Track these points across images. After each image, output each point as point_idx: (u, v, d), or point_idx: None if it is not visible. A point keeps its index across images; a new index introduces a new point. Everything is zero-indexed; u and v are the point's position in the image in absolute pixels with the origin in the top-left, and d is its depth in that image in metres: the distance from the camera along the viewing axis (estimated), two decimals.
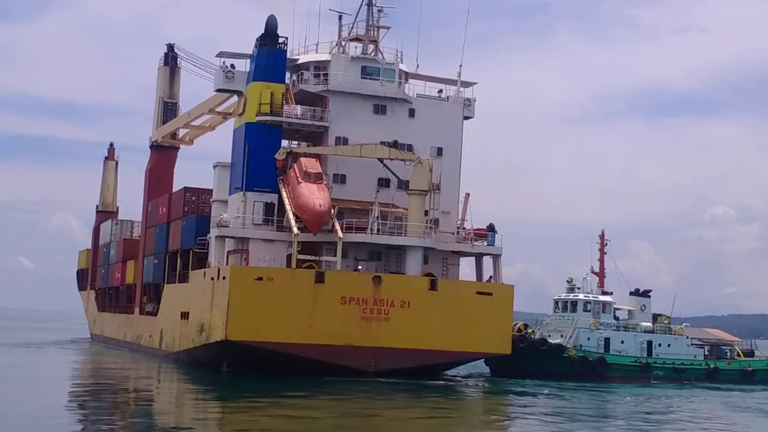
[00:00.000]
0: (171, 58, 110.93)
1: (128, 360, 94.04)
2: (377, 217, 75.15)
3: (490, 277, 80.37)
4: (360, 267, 75.11)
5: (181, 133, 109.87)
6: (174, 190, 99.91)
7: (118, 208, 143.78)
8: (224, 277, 72.45)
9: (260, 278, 71.62)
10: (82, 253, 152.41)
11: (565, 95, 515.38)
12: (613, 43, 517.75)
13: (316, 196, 72.84)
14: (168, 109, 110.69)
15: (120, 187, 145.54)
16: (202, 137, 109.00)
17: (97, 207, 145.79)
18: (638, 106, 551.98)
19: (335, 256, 73.16)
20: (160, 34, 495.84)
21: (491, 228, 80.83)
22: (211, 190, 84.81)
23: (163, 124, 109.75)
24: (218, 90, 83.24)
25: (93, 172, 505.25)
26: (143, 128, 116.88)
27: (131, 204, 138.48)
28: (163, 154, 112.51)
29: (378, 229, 75.04)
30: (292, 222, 73.15)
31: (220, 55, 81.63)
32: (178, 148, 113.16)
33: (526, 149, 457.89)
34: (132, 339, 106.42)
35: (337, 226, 73.62)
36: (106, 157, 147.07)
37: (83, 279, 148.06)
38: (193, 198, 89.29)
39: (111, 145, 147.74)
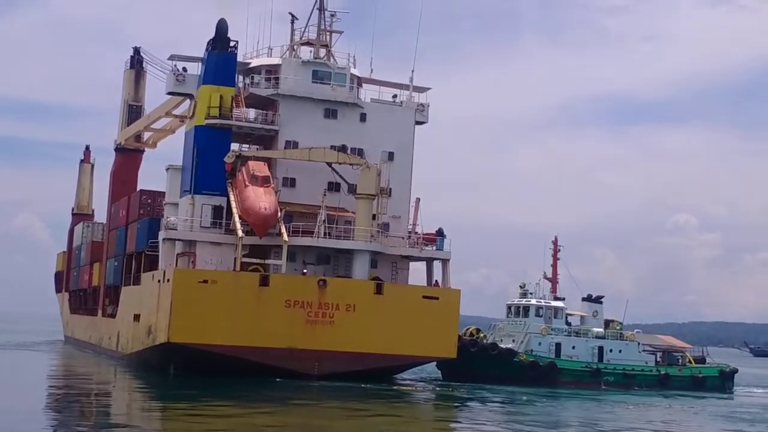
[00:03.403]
0: (136, 62, 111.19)
1: (90, 362, 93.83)
2: (324, 221, 74.88)
3: (436, 281, 79.93)
4: (305, 270, 74.60)
5: (145, 136, 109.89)
6: None
7: (93, 211, 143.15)
8: (168, 280, 72.24)
9: (204, 281, 71.24)
10: (59, 256, 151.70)
11: (531, 101, 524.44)
12: (580, 50, 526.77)
13: (261, 199, 72.56)
14: (133, 112, 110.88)
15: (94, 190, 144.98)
16: (165, 140, 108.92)
17: (72, 209, 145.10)
18: (603, 113, 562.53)
19: (280, 259, 72.87)
20: (127, 36, 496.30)
21: (440, 233, 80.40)
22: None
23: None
24: (169, 93, 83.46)
25: (58, 174, 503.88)
26: (112, 131, 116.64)
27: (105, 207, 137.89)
28: (128, 157, 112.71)
29: (325, 233, 74.73)
30: (238, 225, 72.97)
31: (172, 58, 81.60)
32: (143, 151, 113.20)
33: (491, 154, 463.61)
34: (96, 341, 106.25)
35: (283, 230, 73.21)
36: (82, 160, 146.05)
37: (59, 281, 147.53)
38: (149, 201, 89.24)
39: (87, 147, 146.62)
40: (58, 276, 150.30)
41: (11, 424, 44.55)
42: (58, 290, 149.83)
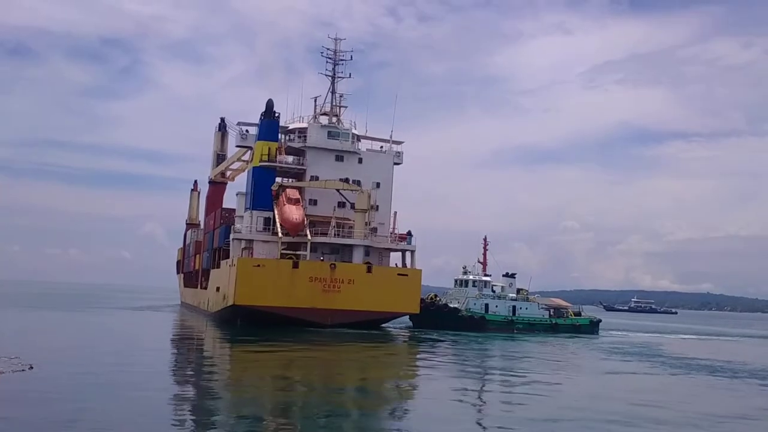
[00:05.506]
0: (222, 126, 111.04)
1: (193, 318, 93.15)
2: (334, 226, 74.89)
3: (405, 264, 79.49)
4: (322, 258, 74.41)
5: (227, 173, 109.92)
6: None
7: (200, 222, 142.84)
8: (235, 265, 72.31)
9: (258, 265, 71.22)
10: (178, 250, 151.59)
11: (472, 150, 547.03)
12: (504, 117, 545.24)
13: (294, 213, 72.70)
14: (220, 158, 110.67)
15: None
16: (240, 176, 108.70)
17: (186, 221, 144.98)
18: (519, 157, 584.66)
19: (306, 251, 72.95)
20: (215, 109, 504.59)
21: (409, 233, 79.96)
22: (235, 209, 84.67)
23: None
24: (237, 146, 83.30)
25: (169, 197, 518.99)
26: (207, 170, 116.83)
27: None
28: (216, 187, 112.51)
29: (335, 234, 74.72)
30: (279, 229, 72.98)
31: (239, 123, 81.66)
32: (226, 183, 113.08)
33: (446, 183, 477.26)
34: (197, 304, 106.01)
35: (308, 232, 73.27)
36: (192, 189, 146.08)
37: (178, 267, 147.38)
38: (227, 215, 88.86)
39: (195, 182, 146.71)
40: (178, 263, 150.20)
41: (150, 351, 45.56)
42: (177, 272, 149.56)
